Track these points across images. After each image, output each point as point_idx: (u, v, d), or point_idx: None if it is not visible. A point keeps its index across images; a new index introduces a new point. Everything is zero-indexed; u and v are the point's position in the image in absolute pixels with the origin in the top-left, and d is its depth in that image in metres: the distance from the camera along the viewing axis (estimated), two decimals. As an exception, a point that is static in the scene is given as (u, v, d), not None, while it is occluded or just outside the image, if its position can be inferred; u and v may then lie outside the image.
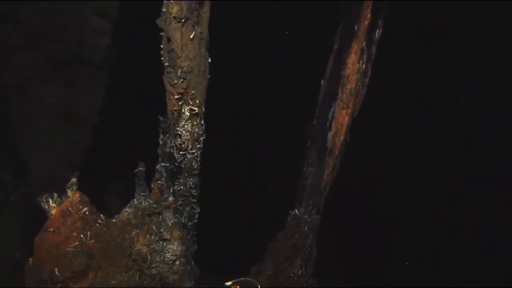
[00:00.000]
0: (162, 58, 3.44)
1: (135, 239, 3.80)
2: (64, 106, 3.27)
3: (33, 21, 2.92)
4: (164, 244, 3.83)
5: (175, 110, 3.53)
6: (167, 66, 3.29)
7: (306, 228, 4.57)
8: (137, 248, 3.78)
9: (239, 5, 4.42)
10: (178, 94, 3.38)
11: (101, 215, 3.67)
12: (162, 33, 3.36)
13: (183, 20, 2.95)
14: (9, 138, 3.58)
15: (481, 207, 5.43)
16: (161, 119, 3.93)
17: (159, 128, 3.99)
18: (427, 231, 5.55)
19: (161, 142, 3.98)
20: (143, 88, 4.10)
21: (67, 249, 3.23)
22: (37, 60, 3.17)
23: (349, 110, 4.18)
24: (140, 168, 3.97)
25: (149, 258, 3.76)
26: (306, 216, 4.54)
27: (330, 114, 4.27)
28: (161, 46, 3.39)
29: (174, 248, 3.85)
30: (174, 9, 2.88)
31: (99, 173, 4.67)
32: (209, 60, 3.40)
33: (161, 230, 3.85)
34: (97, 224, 3.51)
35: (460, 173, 5.38)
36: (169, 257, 3.80)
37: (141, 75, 3.94)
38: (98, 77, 3.47)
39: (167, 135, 3.91)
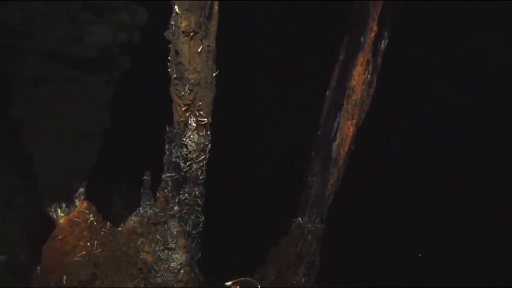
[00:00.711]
0: (169, 70, 3.49)
1: (141, 247, 3.84)
2: (72, 116, 3.30)
3: (43, 35, 2.95)
4: (169, 253, 3.86)
5: (181, 121, 3.56)
6: (174, 78, 3.32)
7: (309, 237, 4.59)
8: (142, 256, 3.83)
9: (244, 12, 4.45)
10: (185, 105, 3.41)
11: (108, 223, 3.72)
12: (170, 45, 3.42)
13: (191, 34, 2.98)
14: (17, 142, 3.64)
15: (482, 210, 5.44)
16: (168, 128, 4.00)
17: (165, 137, 4.05)
18: (431, 240, 5.56)
19: (167, 152, 4.01)
20: (150, 98, 4.14)
21: (75, 258, 3.27)
22: (44, 71, 3.20)
23: (354, 121, 4.19)
24: (145, 177, 4.02)
25: (154, 267, 3.81)
26: (309, 225, 4.57)
27: (335, 124, 4.28)
28: (169, 58, 3.45)
29: (179, 257, 3.88)
30: (183, 24, 2.90)
31: (106, 181, 4.73)
32: (217, 71, 3.44)
33: (167, 239, 3.89)
34: (104, 233, 3.54)
35: (465, 184, 5.38)
36: (174, 266, 3.83)
37: (149, 85, 3.97)
38: (106, 87, 3.50)
39: (173, 144, 3.95)
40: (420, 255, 5.70)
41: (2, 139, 4.09)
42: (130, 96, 3.92)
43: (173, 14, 3.22)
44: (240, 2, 4.11)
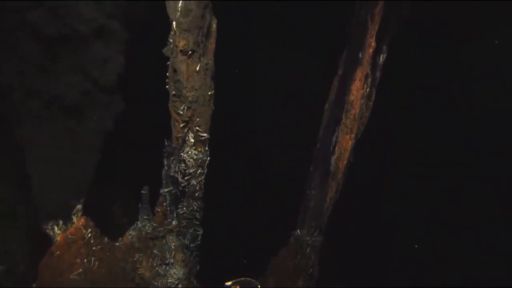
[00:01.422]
0: (167, 87, 3.50)
1: (139, 263, 3.83)
2: (71, 133, 3.30)
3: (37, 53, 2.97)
4: (167, 268, 3.85)
5: (180, 137, 3.56)
6: (173, 95, 3.32)
7: (308, 250, 4.59)
8: (140, 272, 3.82)
9: (243, 26, 4.46)
10: (183, 122, 3.41)
11: (105, 239, 3.71)
12: (168, 62, 3.42)
13: (189, 53, 2.98)
14: (16, 152, 3.63)
15: (481, 215, 5.43)
16: (166, 143, 3.99)
17: (164, 152, 4.04)
18: (432, 250, 5.54)
19: (165, 166, 4.02)
20: (149, 112, 4.14)
21: (71, 276, 3.26)
22: (44, 94, 3.21)
23: (353, 135, 4.19)
24: (144, 192, 4.02)
25: (152, 282, 3.80)
26: (308, 238, 4.56)
27: (334, 138, 4.28)
28: (167, 74, 3.45)
29: (177, 272, 3.87)
30: (181, 43, 2.91)
31: (107, 188, 4.72)
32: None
33: (165, 253, 3.89)
34: (101, 249, 3.53)
35: (464, 195, 5.38)
36: (171, 281, 3.83)
37: (147, 100, 3.97)
38: (104, 104, 3.50)
39: (172, 158, 3.95)
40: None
41: (2, 150, 4.10)
42: (128, 111, 3.89)
43: (171, 32, 3.24)
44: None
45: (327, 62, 4.22)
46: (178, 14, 2.82)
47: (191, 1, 2.74)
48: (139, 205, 4.06)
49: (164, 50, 3.43)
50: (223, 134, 3.85)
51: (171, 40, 3.25)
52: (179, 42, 2.92)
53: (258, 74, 4.83)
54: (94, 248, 3.45)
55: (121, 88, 3.55)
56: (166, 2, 3.15)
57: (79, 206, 3.36)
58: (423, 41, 5.07)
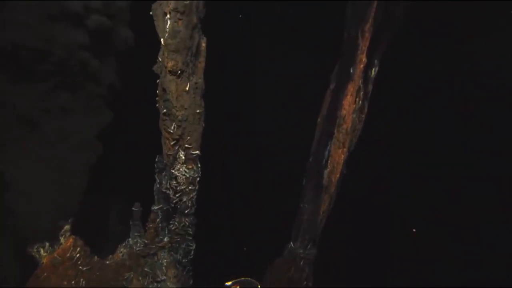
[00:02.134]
0: (158, 105, 3.47)
1: (129, 281, 3.79)
2: (58, 156, 3.25)
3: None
4: (159, 286, 3.82)
5: (170, 154, 3.53)
6: (163, 113, 3.30)
7: (302, 263, 4.58)
8: (131, 290, 3.79)
9: (238, 42, 4.45)
10: (174, 140, 3.39)
11: (95, 257, 3.66)
12: (158, 80, 3.40)
13: (178, 73, 2.95)
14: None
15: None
16: (157, 159, 3.96)
17: (156, 167, 4.02)
18: (424, 266, 5.54)
19: (157, 181, 4.00)
20: (140, 130, 4.11)
21: (59, 299, 3.21)
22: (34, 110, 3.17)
23: (345, 149, 4.18)
24: (135, 209, 3.98)
25: (143, 300, 3.76)
26: (301, 251, 4.55)
27: (326, 152, 4.27)
28: (157, 92, 3.43)
29: (169, 288, 3.85)
30: (170, 64, 2.88)
31: (102, 196, 4.66)
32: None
33: (156, 271, 3.85)
34: (90, 269, 3.48)
35: (458, 209, 5.39)
36: (164, 299, 3.80)
37: (139, 116, 3.94)
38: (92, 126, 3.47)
39: (164, 174, 3.92)
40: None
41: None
42: (119, 128, 3.87)
43: (161, 51, 3.22)
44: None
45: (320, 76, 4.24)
46: (166, 35, 2.79)
47: (179, 22, 2.72)
48: (130, 222, 4.06)
49: (154, 68, 3.42)
50: (217, 150, 3.82)
51: (160, 59, 3.25)
52: (167, 63, 2.89)
53: (252, 87, 4.83)
54: (82, 268, 3.40)
55: (111, 98, 3.51)
56: (155, 22, 3.14)
57: (67, 227, 3.32)
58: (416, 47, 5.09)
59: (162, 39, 3.01)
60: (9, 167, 3.14)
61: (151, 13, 3.05)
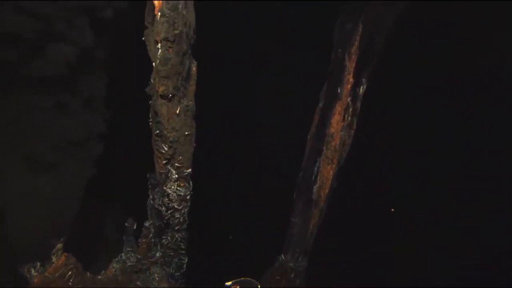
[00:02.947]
0: (150, 125, 3.56)
1: (122, 296, 3.86)
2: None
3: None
4: (151, 301, 3.90)
5: (162, 173, 3.63)
6: (155, 134, 3.39)
7: (292, 275, 4.67)
8: (124, 306, 3.85)
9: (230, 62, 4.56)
10: (165, 159, 3.49)
11: (87, 274, 3.72)
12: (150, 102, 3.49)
13: (169, 97, 3.05)
14: None
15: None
16: (149, 175, 4.05)
17: (148, 183, 4.10)
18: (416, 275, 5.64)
19: (150, 197, 4.09)
20: (132, 146, 4.20)
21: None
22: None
23: (334, 165, 4.29)
24: (128, 224, 4.07)
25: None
26: (292, 264, 4.64)
27: (316, 168, 4.38)
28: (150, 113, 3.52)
29: (161, 303, 3.92)
30: (161, 89, 2.98)
31: (98, 204, 4.70)
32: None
33: (149, 286, 3.93)
34: (82, 286, 3.53)
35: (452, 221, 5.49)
36: (156, 314, 3.87)
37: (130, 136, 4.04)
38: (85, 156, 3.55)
39: (156, 190, 4.01)
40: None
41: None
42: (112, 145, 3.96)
43: (153, 73, 3.31)
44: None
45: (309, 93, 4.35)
46: (158, 61, 2.89)
47: (170, 50, 2.82)
48: (124, 237, 4.14)
49: (147, 90, 3.52)
50: (209, 170, 3.90)
51: (151, 81, 3.35)
52: (158, 88, 3.00)
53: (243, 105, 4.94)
54: (74, 286, 3.45)
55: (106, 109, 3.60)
56: (147, 47, 3.24)
57: (59, 245, 3.38)
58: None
59: (154, 64, 3.12)
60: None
61: (143, 38, 3.17)
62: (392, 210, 5.76)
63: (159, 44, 2.82)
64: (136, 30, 3.06)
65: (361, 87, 4.48)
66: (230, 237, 4.78)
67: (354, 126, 4.64)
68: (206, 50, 3.36)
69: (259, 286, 3.45)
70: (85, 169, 3.94)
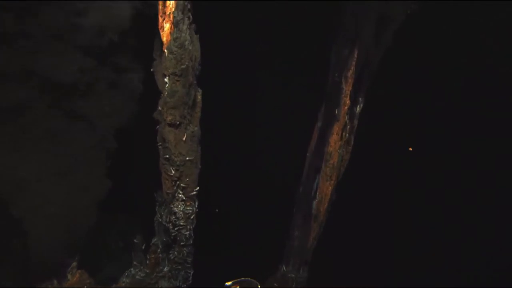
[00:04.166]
0: (159, 147, 3.77)
1: (132, 310, 4.06)
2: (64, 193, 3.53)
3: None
4: (159, 313, 4.10)
5: (169, 193, 3.83)
6: (162, 158, 3.60)
7: (294, 286, 4.87)
8: (133, 318, 4.05)
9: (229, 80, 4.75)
10: (172, 181, 3.69)
11: (99, 289, 3.93)
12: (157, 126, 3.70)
13: (176, 124, 3.26)
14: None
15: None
16: (156, 193, 4.26)
17: (155, 200, 4.31)
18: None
19: (157, 214, 4.29)
20: (142, 164, 4.39)
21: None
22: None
23: (333, 181, 4.49)
24: (136, 241, 4.28)
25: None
26: (293, 275, 4.84)
27: (315, 184, 4.58)
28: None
29: (169, 318, 4.11)
30: (168, 118, 3.19)
31: (104, 212, 4.88)
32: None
33: (156, 299, 4.13)
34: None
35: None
36: (164, 325, 4.07)
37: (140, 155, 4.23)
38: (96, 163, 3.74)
39: (163, 207, 4.22)
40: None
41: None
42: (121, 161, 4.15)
43: (161, 100, 3.51)
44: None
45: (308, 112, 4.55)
46: (165, 93, 3.10)
47: (177, 83, 3.03)
48: (132, 252, 4.35)
49: (154, 115, 3.72)
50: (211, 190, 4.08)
51: (160, 108, 3.55)
52: (166, 117, 3.20)
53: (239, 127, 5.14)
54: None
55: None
56: (155, 76, 3.44)
57: (74, 264, 3.58)
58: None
59: (162, 93, 3.33)
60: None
61: (152, 70, 3.37)
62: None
63: (167, 78, 3.03)
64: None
65: (358, 106, 4.69)
66: (216, 210, 4.85)
67: (352, 143, 4.86)
68: (207, 78, 3.57)
69: (259, 286, 3.56)
70: (96, 181, 4.10)
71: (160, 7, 2.93)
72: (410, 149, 5.81)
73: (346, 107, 4.07)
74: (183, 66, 2.97)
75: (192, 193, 3.85)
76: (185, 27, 2.93)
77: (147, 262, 4.27)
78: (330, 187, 4.54)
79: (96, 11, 3.10)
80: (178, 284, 4.43)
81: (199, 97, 3.45)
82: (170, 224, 4.03)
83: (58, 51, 3.18)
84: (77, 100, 3.55)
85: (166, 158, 3.58)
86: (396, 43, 4.29)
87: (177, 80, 3.01)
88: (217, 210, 4.85)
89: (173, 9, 2.86)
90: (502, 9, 4.68)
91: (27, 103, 3.35)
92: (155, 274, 4.20)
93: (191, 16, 3.03)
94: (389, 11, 3.59)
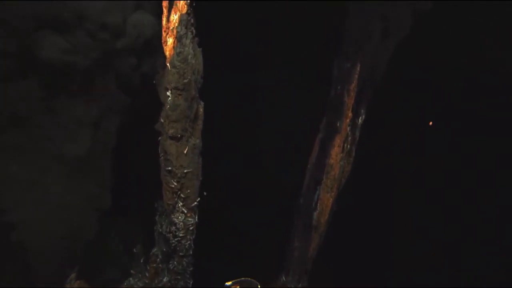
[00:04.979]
0: (160, 157, 3.77)
1: (132, 319, 4.07)
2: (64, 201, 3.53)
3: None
4: (159, 323, 4.09)
5: (170, 204, 3.83)
6: (163, 169, 3.60)
7: (293, 296, 4.86)
8: (133, 328, 4.05)
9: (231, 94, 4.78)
10: (173, 192, 3.69)
11: (100, 298, 3.93)
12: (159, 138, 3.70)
13: (178, 137, 3.26)
14: None
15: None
16: (157, 204, 4.26)
17: (156, 210, 4.31)
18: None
19: (157, 224, 4.29)
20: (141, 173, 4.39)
21: None
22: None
23: (333, 193, 4.49)
24: (136, 250, 4.28)
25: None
26: (293, 286, 4.83)
27: (316, 196, 4.57)
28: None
29: (168, 325, 4.11)
30: (170, 131, 3.20)
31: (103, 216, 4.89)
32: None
33: (156, 309, 4.13)
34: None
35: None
36: (163, 336, 4.06)
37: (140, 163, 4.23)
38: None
39: (164, 216, 4.21)
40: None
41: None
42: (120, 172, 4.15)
43: (163, 112, 3.52)
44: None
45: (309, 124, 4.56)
46: (168, 107, 3.10)
47: (179, 97, 3.03)
48: (132, 262, 4.34)
49: (156, 127, 3.73)
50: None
51: (162, 120, 3.55)
52: (168, 130, 3.21)
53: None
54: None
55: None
56: (157, 88, 3.45)
57: (73, 275, 3.58)
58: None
59: (164, 105, 3.33)
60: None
61: (154, 82, 3.38)
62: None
63: (169, 91, 3.03)
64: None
65: (360, 117, 4.69)
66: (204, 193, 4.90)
67: (353, 154, 4.85)
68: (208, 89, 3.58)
69: (259, 286, 3.58)
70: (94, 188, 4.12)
71: (164, 22, 2.95)
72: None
73: (348, 120, 4.06)
74: (185, 81, 2.97)
75: (192, 205, 3.86)
76: (188, 41, 2.94)
77: (147, 272, 4.28)
78: (331, 199, 4.53)
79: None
80: (178, 294, 4.44)
81: (201, 109, 3.46)
82: (170, 234, 4.03)
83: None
84: (77, 104, 3.58)
85: (168, 170, 3.58)
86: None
87: (179, 94, 3.02)
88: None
89: (176, 24, 2.88)
90: (502, 9, 4.70)
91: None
92: (154, 284, 4.20)
93: (194, 30, 3.04)
94: (392, 23, 3.58)
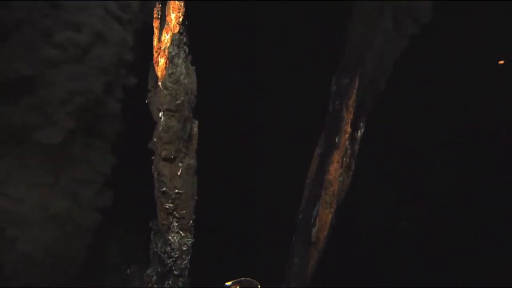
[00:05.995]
0: (154, 177, 3.66)
1: None
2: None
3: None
4: None
5: (165, 224, 3.73)
6: (157, 189, 3.49)
7: (293, 312, 4.76)
8: None
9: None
10: (168, 213, 3.58)
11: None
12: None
13: (171, 158, 3.15)
14: None
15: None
16: (153, 222, 4.15)
17: (151, 228, 4.20)
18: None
19: (153, 243, 4.18)
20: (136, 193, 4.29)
21: None
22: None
23: (332, 209, 4.38)
24: (130, 271, 4.17)
25: None
26: (292, 303, 4.73)
27: (315, 211, 4.47)
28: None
29: None
30: (163, 153, 3.09)
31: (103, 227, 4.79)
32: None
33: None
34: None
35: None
36: None
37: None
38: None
39: (158, 235, 4.11)
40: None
41: None
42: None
43: (156, 130, 3.41)
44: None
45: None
46: (160, 128, 2.99)
47: (172, 119, 2.92)
48: (127, 283, 4.24)
49: (149, 146, 3.62)
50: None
51: (155, 139, 3.44)
52: (161, 151, 3.10)
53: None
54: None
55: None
56: (150, 108, 3.34)
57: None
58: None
59: (157, 125, 3.23)
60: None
61: (146, 101, 3.28)
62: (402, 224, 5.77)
63: (161, 113, 2.93)
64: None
65: (359, 131, 4.59)
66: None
67: (353, 167, 4.75)
68: (205, 104, 3.49)
69: (259, 286, 3.52)
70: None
71: (155, 42, 2.84)
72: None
73: (346, 135, 3.97)
74: (178, 102, 2.87)
75: (188, 225, 3.75)
76: (180, 61, 2.83)
77: (142, 292, 4.18)
78: (330, 215, 4.43)
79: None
80: (173, 311, 4.33)
81: (195, 129, 3.35)
82: (166, 255, 3.93)
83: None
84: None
85: (162, 191, 3.47)
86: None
87: (172, 116, 2.91)
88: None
89: (168, 44, 2.77)
90: (502, 9, 4.64)
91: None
92: (150, 305, 4.10)
93: (187, 49, 2.93)
94: (390, 42, 3.50)
